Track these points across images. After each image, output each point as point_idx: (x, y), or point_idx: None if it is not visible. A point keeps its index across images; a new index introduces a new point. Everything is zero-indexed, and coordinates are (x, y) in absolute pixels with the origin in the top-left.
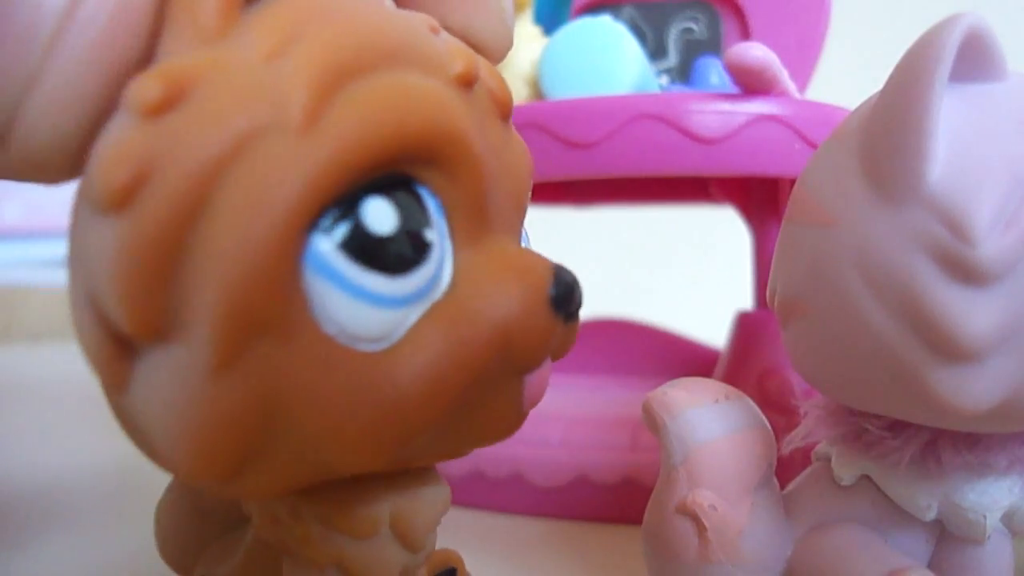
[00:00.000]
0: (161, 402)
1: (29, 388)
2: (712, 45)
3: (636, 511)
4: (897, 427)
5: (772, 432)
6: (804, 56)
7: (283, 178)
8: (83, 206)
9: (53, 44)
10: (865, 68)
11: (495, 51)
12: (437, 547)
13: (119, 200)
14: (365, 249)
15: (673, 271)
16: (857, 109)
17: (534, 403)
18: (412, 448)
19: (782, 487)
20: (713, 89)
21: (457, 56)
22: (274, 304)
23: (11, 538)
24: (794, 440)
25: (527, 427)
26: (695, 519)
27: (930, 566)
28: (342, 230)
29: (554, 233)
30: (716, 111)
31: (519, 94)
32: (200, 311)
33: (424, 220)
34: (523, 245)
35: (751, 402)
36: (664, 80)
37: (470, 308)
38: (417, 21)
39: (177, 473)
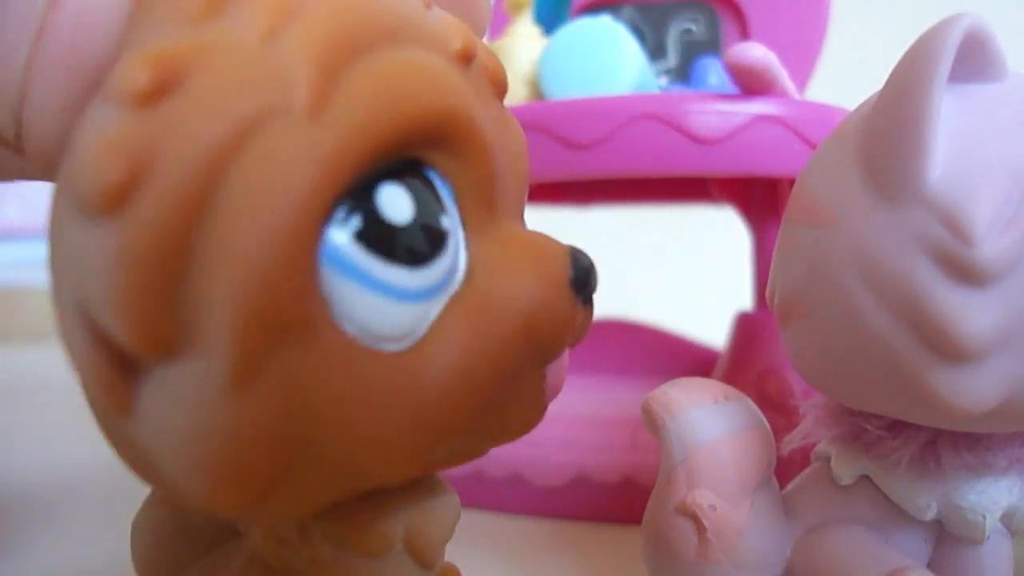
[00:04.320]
0: (173, 426)
1: (29, 388)
2: (711, 45)
3: (636, 511)
4: (897, 427)
5: (772, 432)
6: (804, 56)
7: (294, 167)
8: (67, 208)
9: (34, 50)
10: (865, 68)
11: (477, 26)
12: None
13: (113, 200)
14: (384, 240)
15: (673, 271)
16: (857, 109)
17: (555, 394)
18: (442, 452)
19: (782, 487)
20: (713, 89)
21: (455, 32)
22: (294, 306)
23: (11, 538)
24: (794, 440)
25: None
26: (695, 519)
27: (930, 566)
28: (356, 221)
29: (554, 233)
30: (716, 111)
31: (519, 94)
32: (213, 320)
33: (439, 207)
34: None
35: (751, 402)
36: (664, 80)
37: (492, 298)
38: None
39: (195, 503)
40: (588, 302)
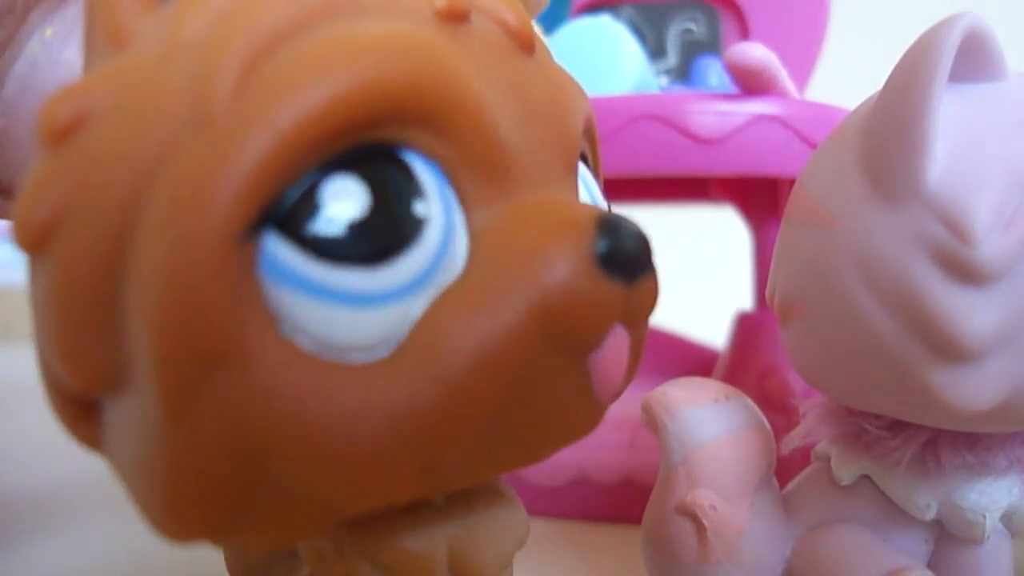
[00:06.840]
0: (127, 457)
1: (29, 388)
2: (712, 45)
3: (636, 511)
4: (897, 427)
5: (772, 432)
6: (804, 56)
7: (208, 180)
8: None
9: None
10: (865, 68)
11: None
12: None
13: (37, 240)
14: (329, 241)
15: (673, 271)
16: (857, 109)
17: (613, 387)
18: (445, 469)
19: (782, 487)
20: (713, 89)
21: None
22: (225, 329)
23: (11, 538)
24: (794, 440)
25: None
26: (695, 519)
27: (929, 566)
28: (294, 224)
29: None
30: (716, 111)
31: None
32: (139, 354)
33: (411, 192)
34: (582, 194)
35: (751, 402)
36: (664, 80)
37: (494, 285)
38: None
39: (158, 532)
40: (633, 278)
